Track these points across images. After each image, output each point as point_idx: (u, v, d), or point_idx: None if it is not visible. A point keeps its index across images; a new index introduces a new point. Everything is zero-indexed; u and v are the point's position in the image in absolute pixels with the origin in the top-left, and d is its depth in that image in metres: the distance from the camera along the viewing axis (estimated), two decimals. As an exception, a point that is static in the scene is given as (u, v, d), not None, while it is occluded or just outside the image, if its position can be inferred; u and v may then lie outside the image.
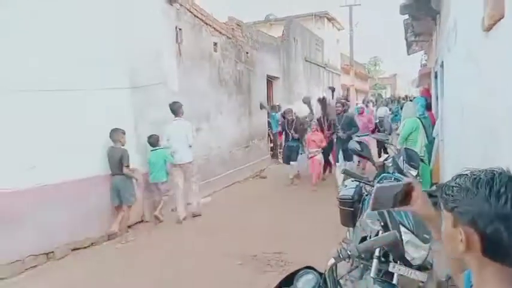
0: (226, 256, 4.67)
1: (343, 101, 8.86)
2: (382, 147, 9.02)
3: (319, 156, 8.21)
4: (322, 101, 8.66)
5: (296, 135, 8.62)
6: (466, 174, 0.89)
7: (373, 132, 9.64)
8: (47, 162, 4.68)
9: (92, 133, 5.18)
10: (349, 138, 6.99)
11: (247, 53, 9.77)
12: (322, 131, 8.46)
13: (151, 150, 6.08)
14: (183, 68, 7.06)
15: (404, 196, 1.23)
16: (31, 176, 4.54)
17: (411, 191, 1.23)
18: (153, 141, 6.07)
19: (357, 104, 11.09)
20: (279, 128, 10.34)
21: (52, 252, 4.76)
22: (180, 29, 6.91)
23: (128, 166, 5.39)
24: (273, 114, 11.15)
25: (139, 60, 6.00)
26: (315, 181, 8.10)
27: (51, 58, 4.75)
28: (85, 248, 5.10)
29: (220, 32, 8.45)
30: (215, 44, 8.24)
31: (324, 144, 8.16)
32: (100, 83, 5.27)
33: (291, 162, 8.58)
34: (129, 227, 5.69)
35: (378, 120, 11.35)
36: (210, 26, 8.02)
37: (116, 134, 5.38)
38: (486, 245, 0.83)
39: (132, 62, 5.83)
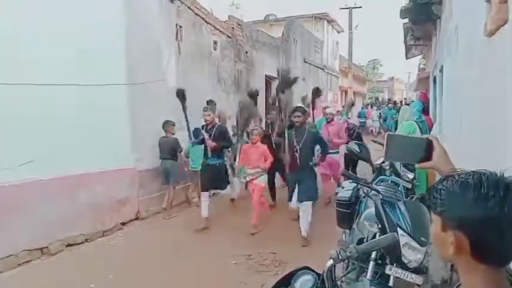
0: (221, 256, 4.65)
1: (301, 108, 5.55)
2: (352, 162, 7.20)
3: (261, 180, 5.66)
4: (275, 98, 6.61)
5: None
6: (454, 177, 0.87)
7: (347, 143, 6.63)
8: (43, 157, 4.64)
9: (87, 129, 5.14)
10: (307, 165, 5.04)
11: (246, 52, 9.77)
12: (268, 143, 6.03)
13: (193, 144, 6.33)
14: (182, 66, 7.04)
15: (425, 152, 1.23)
16: (27, 170, 4.49)
17: (431, 148, 1.23)
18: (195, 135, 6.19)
19: (324, 108, 7.98)
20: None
21: (46, 247, 4.73)
22: (180, 27, 6.90)
23: (180, 152, 6.42)
24: None
25: (138, 56, 5.98)
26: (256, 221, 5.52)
27: (48, 52, 4.70)
28: (79, 243, 5.07)
29: (221, 31, 8.44)
30: (215, 42, 8.23)
31: (269, 163, 5.58)
32: (97, 78, 5.24)
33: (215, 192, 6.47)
34: (123, 224, 5.67)
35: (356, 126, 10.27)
36: (211, 24, 8.01)
37: (167, 125, 6.33)
38: (475, 248, 0.82)
39: (130, 58, 5.80)
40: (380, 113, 18.50)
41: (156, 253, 4.78)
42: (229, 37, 8.89)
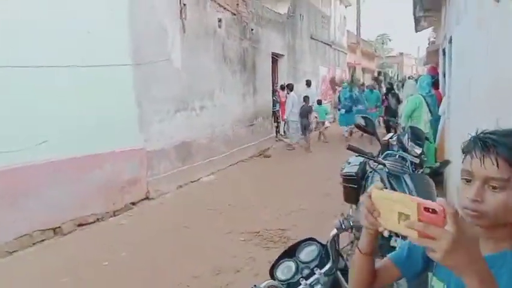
0: (230, 232, 4.72)
1: None
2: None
3: None
4: None
5: None
6: None
7: None
8: (55, 138, 4.70)
9: (96, 110, 5.17)
10: None
11: (252, 29, 9.63)
12: None
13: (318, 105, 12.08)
14: (187, 45, 6.97)
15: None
16: (40, 152, 4.56)
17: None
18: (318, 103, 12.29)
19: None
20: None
21: (59, 227, 4.83)
22: (184, 5, 6.80)
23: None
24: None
25: (143, 36, 5.93)
26: None
27: (55, 34, 4.69)
28: (91, 223, 5.17)
29: (225, 8, 8.30)
30: (220, 20, 8.11)
31: None
32: (102, 58, 5.23)
33: None
34: (133, 203, 5.76)
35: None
36: (215, 1, 7.87)
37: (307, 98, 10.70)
38: None
39: (135, 38, 5.76)
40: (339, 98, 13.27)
41: (166, 231, 4.86)
42: (234, 14, 8.75)
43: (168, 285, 3.61)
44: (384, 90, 14.97)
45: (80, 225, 5.05)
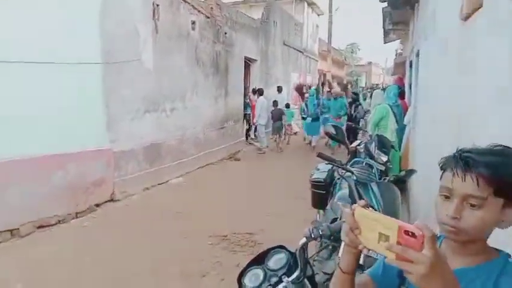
0: (197, 235, 4.67)
1: None
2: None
3: None
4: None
5: None
6: (504, 162, 0.91)
7: None
8: (16, 137, 4.49)
9: (61, 109, 4.99)
10: None
11: (225, 33, 9.61)
12: None
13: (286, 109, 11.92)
14: (159, 46, 6.87)
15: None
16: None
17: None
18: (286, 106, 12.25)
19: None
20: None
21: (17, 229, 4.61)
22: (157, 5, 6.70)
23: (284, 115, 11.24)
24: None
25: (114, 35, 5.79)
26: None
27: (19, 28, 4.50)
28: (52, 225, 4.97)
29: (199, 11, 8.25)
30: (193, 22, 8.05)
31: None
32: (70, 57, 5.06)
33: None
34: (97, 205, 5.60)
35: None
36: (189, 3, 7.81)
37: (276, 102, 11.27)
38: None
39: (105, 37, 5.61)
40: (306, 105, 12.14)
41: (131, 234, 4.75)
42: (208, 17, 8.70)
43: (132, 290, 3.53)
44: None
45: (39, 227, 4.84)
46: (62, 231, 4.90)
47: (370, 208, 0.86)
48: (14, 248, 4.37)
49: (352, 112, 10.97)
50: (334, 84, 20.69)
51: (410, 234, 0.72)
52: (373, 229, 0.79)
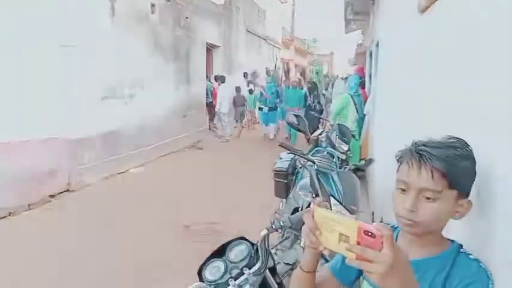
0: (158, 225, 4.58)
1: None
2: None
3: None
4: None
5: None
6: (455, 146, 0.95)
7: None
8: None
9: (9, 94, 4.68)
10: None
11: (186, 18, 9.37)
12: None
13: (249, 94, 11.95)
14: (116, 29, 6.58)
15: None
16: None
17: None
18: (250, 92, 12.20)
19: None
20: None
21: (-39, 222, 4.33)
22: (114, -15, 6.40)
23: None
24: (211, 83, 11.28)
25: (69, 17, 5.46)
26: None
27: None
28: (1, 218, 4.70)
29: (159, -7, 7.98)
30: (153, 5, 7.78)
31: None
32: (24, 39, 4.74)
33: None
34: (51, 196, 5.35)
35: None
36: (148, -15, 7.53)
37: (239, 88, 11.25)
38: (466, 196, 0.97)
39: (60, 18, 5.28)
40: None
41: (87, 225, 4.58)
42: (168, 0, 8.44)
43: (91, 282, 3.41)
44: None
45: (-13, 220, 4.56)
46: (12, 223, 4.64)
47: (328, 209, 0.85)
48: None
49: (311, 102, 10.37)
50: (292, 74, 19.53)
51: (369, 234, 0.73)
52: (333, 230, 0.79)
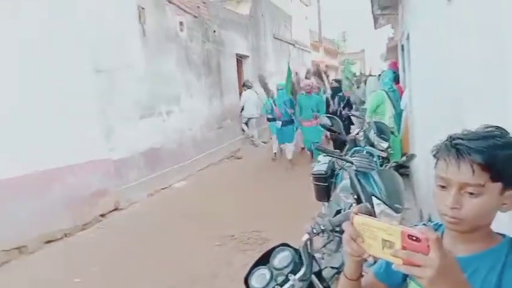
0: (204, 237, 4.67)
1: None
2: None
3: None
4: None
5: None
6: (497, 144, 0.88)
7: None
8: (12, 154, 4.48)
9: (55, 122, 4.97)
10: None
11: (214, 31, 9.57)
12: None
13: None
14: (148, 49, 6.84)
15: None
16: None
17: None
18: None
19: None
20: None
21: (25, 246, 4.61)
22: (142, 8, 6.66)
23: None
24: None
25: (102, 42, 5.76)
26: None
27: (8, 44, 4.49)
28: (59, 239, 4.98)
29: (185, 11, 8.21)
30: (181, 23, 8.01)
31: None
32: (61, 68, 5.05)
33: None
34: (102, 215, 5.60)
35: None
36: (175, 4, 7.77)
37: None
38: None
39: (93, 45, 5.58)
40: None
41: (138, 241, 4.75)
42: (196, 17, 8.66)
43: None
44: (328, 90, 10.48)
45: (47, 242, 4.84)
46: (69, 244, 4.90)
47: (371, 211, 0.86)
48: (24, 264, 4.38)
49: (336, 108, 8.51)
50: (301, 75, 15.21)
51: (414, 238, 0.72)
52: (375, 236, 0.78)
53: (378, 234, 0.77)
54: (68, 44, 5.16)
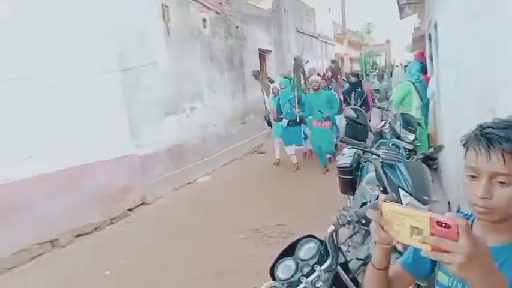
0: (229, 231, 4.70)
1: None
2: None
3: None
4: None
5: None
6: None
7: None
8: (44, 151, 4.64)
9: (83, 120, 5.11)
10: None
11: (237, 27, 9.58)
12: None
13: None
14: (172, 47, 6.93)
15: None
16: (30, 165, 4.51)
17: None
18: None
19: None
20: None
21: (56, 239, 4.79)
22: (166, 7, 6.74)
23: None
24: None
25: (127, 41, 5.87)
26: None
27: (37, 45, 4.64)
28: (89, 233, 5.13)
29: (209, 8, 8.26)
30: (204, 20, 8.07)
31: None
32: (88, 67, 5.18)
33: None
34: (130, 210, 5.73)
35: None
36: (198, 1, 7.82)
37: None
38: None
39: (119, 44, 5.70)
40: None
41: (165, 235, 4.84)
42: (218, 13, 8.70)
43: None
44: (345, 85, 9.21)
45: (77, 236, 5.01)
46: (99, 238, 5.05)
47: (396, 203, 0.84)
48: (56, 257, 4.55)
49: (353, 103, 7.45)
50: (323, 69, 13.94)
51: (443, 225, 0.71)
52: (403, 223, 0.78)
53: (406, 221, 0.77)
54: (95, 43, 5.29)
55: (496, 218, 0.88)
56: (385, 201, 0.84)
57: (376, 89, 10.81)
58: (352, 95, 7.60)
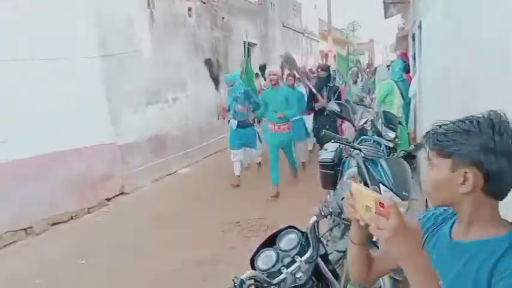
0: (209, 224, 4.68)
1: None
2: None
3: None
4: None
5: None
6: (460, 120, 0.93)
7: None
8: (19, 136, 4.50)
9: (61, 106, 4.97)
10: None
11: (223, 18, 9.49)
12: None
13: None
14: (156, 35, 6.80)
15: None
16: (4, 150, 4.37)
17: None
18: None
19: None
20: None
21: (31, 227, 4.67)
22: (151, -7, 6.61)
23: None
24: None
25: (109, 26, 5.73)
26: None
27: (14, 27, 4.47)
28: (65, 221, 5.02)
29: (194, -3, 8.15)
30: (189, 9, 7.95)
31: None
32: (68, 51, 5.03)
33: None
34: (108, 199, 5.63)
35: None
36: (183, -10, 7.71)
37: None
38: (490, 183, 0.88)
39: (101, 29, 5.56)
40: None
41: (143, 226, 4.78)
42: (204, 3, 8.59)
43: (149, 280, 3.56)
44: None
45: (53, 224, 4.89)
46: (75, 226, 4.95)
47: (361, 184, 0.95)
48: (30, 245, 4.44)
49: (325, 100, 5.90)
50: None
51: (382, 205, 0.83)
52: (362, 201, 0.90)
53: (364, 200, 0.89)
54: (75, 26, 5.14)
55: (433, 202, 0.99)
56: (353, 177, 0.93)
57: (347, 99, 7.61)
58: (324, 91, 6.19)
